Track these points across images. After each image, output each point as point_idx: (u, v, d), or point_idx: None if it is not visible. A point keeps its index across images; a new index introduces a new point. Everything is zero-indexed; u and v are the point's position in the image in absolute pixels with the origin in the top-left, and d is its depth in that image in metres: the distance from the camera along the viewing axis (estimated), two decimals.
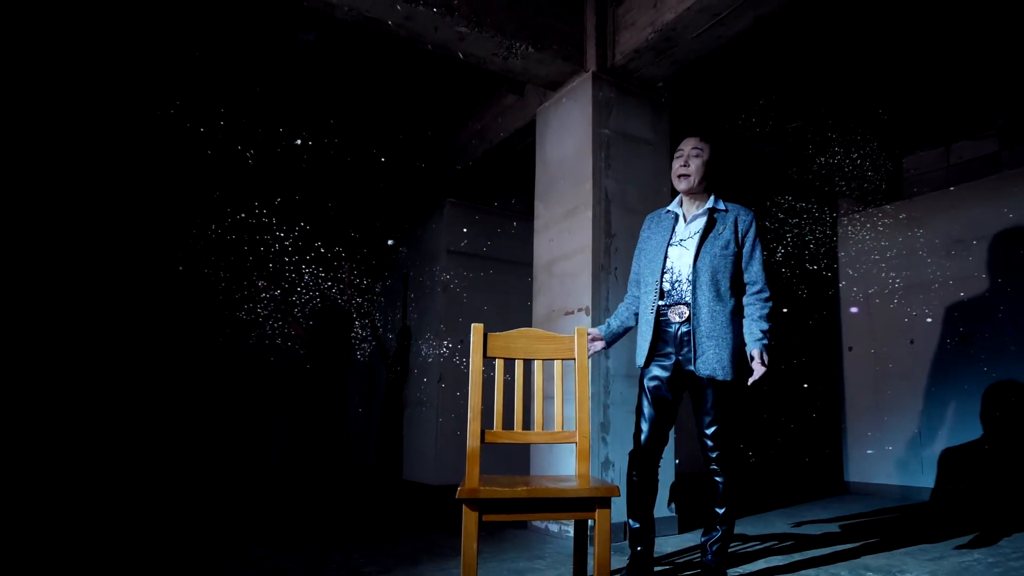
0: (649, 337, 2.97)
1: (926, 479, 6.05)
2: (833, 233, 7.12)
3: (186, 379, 7.84)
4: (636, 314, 3.18)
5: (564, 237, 4.58)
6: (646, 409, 3.02)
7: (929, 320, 6.17)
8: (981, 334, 5.79)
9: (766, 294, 2.98)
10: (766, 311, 2.95)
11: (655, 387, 2.99)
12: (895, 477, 6.30)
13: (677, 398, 3.04)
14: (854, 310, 6.77)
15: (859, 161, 6.62)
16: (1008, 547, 3.86)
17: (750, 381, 2.84)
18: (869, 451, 6.56)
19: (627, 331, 3.22)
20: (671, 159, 3.20)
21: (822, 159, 6.56)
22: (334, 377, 6.21)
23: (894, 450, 6.33)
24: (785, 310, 7.28)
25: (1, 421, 6.65)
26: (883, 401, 6.50)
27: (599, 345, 3.13)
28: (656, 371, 2.98)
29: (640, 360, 3.01)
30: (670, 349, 2.96)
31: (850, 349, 6.88)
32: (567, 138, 4.69)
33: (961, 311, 5.95)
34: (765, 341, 2.88)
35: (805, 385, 7.13)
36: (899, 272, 6.45)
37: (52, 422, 7.00)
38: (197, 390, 7.89)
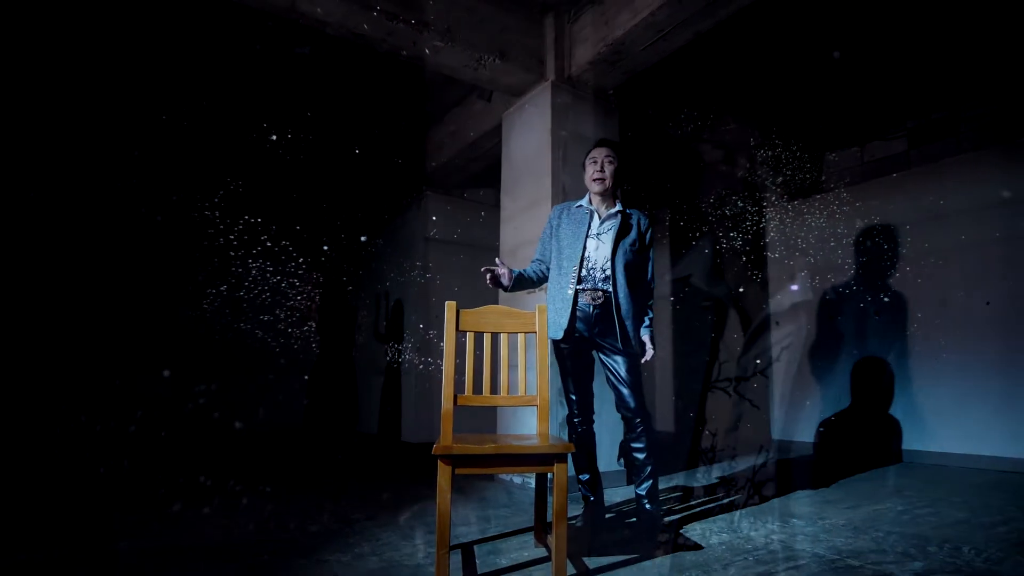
0: (567, 315, 3.08)
1: (841, 437, 6.30)
2: (762, 222, 7.29)
3: (203, 359, 7.93)
4: (542, 279, 3.31)
5: (527, 226, 4.70)
6: (572, 372, 3.18)
7: (846, 299, 6.39)
8: (890, 311, 6.02)
9: (653, 285, 3.25)
10: (651, 301, 3.24)
11: (575, 352, 3.16)
12: (816, 436, 6.53)
13: (592, 360, 3.23)
14: (794, 287, 6.94)
15: (786, 158, 6.79)
16: (916, 496, 4.02)
17: (643, 360, 3.12)
18: (792, 413, 6.78)
19: (527, 285, 3.28)
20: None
21: (755, 155, 6.72)
22: (341, 355, 6.24)
23: (814, 412, 6.56)
24: (742, 289, 7.46)
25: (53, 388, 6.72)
26: (805, 370, 6.72)
27: (506, 280, 3.11)
28: (573, 340, 3.13)
29: (557, 334, 3.12)
30: (584, 326, 3.10)
31: (777, 324, 7.09)
32: (529, 139, 4.78)
33: (874, 291, 6.17)
34: (651, 328, 3.18)
35: (759, 362, 7.31)
36: (820, 257, 6.65)
37: (82, 392, 7.04)
38: (215, 369, 7.98)
